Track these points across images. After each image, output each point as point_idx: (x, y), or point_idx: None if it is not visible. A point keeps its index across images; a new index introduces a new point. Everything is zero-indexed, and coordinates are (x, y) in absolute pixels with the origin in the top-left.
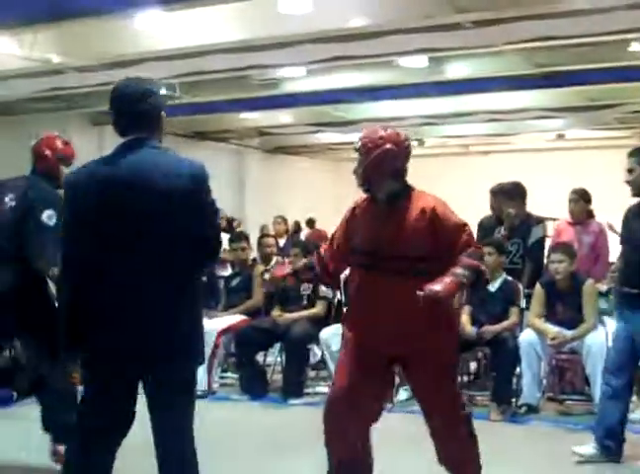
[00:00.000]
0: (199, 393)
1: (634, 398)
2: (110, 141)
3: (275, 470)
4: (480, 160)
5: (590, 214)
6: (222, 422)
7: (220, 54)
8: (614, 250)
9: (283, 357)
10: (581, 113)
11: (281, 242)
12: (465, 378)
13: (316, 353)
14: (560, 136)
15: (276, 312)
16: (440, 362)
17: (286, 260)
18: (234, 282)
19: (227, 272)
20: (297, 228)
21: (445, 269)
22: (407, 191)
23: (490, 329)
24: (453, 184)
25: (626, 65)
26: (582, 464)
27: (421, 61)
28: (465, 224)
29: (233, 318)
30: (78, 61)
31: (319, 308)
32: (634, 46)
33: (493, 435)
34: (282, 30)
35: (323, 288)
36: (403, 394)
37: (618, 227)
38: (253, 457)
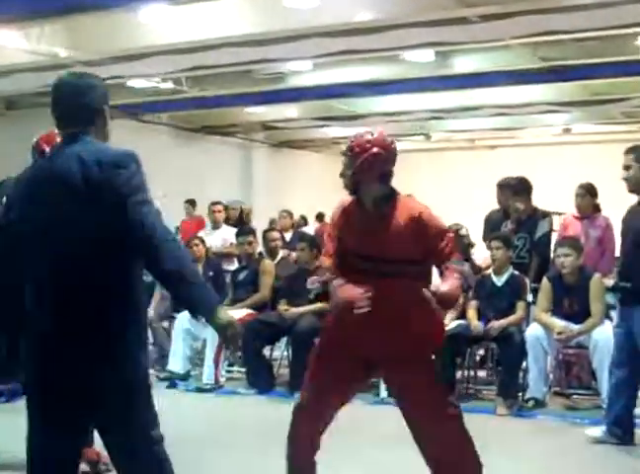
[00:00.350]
0: (207, 387)
1: None
2: (114, 135)
3: (281, 464)
4: (486, 154)
5: (596, 208)
6: (229, 415)
7: (226, 48)
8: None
9: (290, 352)
10: (587, 107)
11: (288, 236)
12: (472, 373)
13: None
14: (566, 130)
15: (282, 306)
16: (423, 361)
17: (293, 254)
18: (241, 276)
19: (234, 266)
20: (303, 222)
21: (428, 272)
22: (393, 195)
23: (496, 324)
24: (460, 178)
25: (632, 59)
26: (587, 458)
27: (427, 55)
28: (448, 231)
29: (240, 312)
30: (85, 55)
31: (326, 302)
32: None
33: (499, 430)
34: (288, 24)
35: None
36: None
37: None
38: (260, 451)
